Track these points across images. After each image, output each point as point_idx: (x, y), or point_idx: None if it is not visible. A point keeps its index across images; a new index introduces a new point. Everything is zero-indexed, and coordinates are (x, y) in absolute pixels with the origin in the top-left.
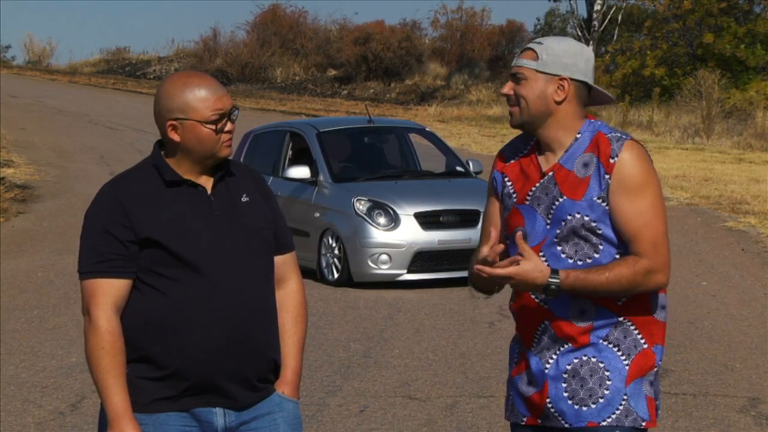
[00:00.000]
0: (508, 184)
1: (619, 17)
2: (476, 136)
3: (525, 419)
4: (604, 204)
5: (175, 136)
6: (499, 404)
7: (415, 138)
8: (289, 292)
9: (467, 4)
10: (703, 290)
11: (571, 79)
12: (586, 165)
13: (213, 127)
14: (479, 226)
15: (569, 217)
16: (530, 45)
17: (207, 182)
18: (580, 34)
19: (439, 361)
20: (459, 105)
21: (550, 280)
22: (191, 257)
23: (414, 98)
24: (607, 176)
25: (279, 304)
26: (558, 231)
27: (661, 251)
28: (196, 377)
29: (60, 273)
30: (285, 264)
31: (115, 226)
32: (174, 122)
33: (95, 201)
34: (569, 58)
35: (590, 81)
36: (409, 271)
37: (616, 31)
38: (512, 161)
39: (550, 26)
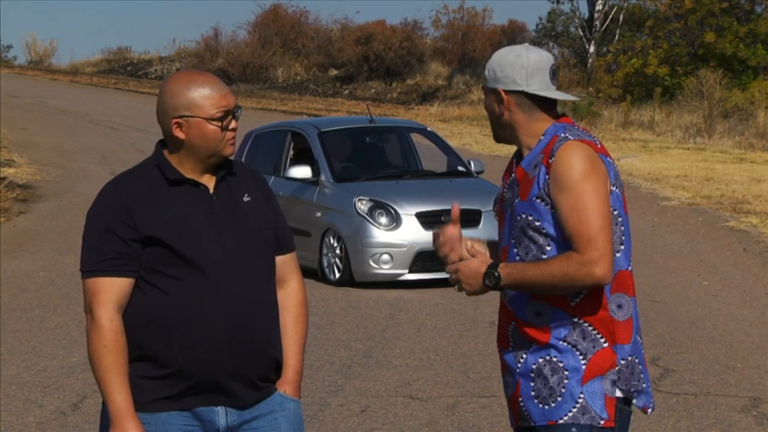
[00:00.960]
0: (503, 187)
1: (621, 17)
2: (478, 136)
3: (513, 424)
4: (543, 203)
5: (180, 134)
6: (500, 404)
7: (416, 138)
8: (290, 291)
9: (469, 4)
10: (704, 290)
11: (506, 91)
12: (536, 166)
13: (218, 124)
14: (481, 225)
15: (519, 218)
16: None
17: (209, 181)
18: (581, 33)
19: (441, 361)
20: (460, 105)
21: (489, 269)
22: (193, 256)
23: (415, 98)
24: (546, 176)
25: (280, 304)
26: (513, 232)
27: (595, 245)
28: (198, 376)
29: (61, 273)
30: (286, 264)
31: (117, 224)
32: (179, 120)
33: (97, 200)
34: (501, 70)
35: (529, 89)
36: (411, 271)
37: (617, 31)
38: (508, 167)
39: (553, 26)
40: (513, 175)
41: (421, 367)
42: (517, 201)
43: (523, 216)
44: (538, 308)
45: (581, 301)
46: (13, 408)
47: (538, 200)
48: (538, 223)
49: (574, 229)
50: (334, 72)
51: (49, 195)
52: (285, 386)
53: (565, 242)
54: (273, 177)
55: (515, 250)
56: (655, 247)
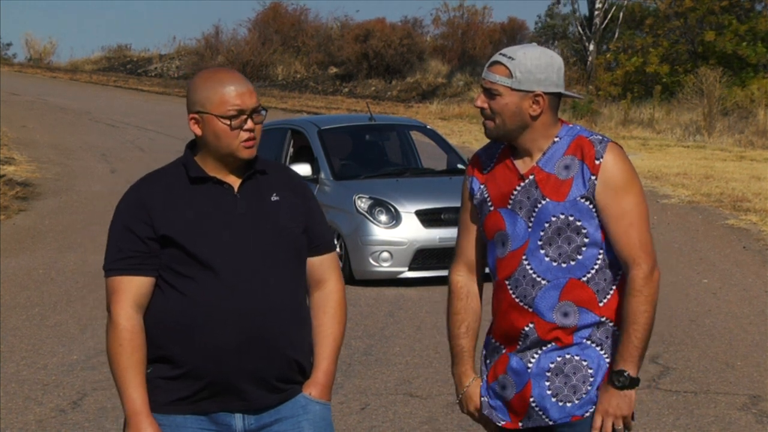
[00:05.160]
0: (483, 189)
1: (621, 15)
2: (477, 134)
3: (503, 423)
4: (588, 204)
5: (196, 130)
6: None
7: (416, 135)
8: (328, 292)
9: (469, 2)
10: (704, 288)
11: (545, 93)
12: (567, 167)
13: (228, 122)
14: None
15: (553, 219)
16: (501, 60)
17: (235, 181)
18: (581, 32)
19: (440, 359)
20: (460, 103)
21: (621, 384)
22: (206, 257)
23: (415, 96)
24: (592, 177)
25: (317, 305)
26: (542, 233)
27: (646, 249)
28: (211, 376)
29: (61, 270)
30: (323, 265)
31: (136, 223)
32: (195, 115)
33: (122, 198)
34: (542, 73)
35: (562, 89)
36: (410, 269)
37: (617, 29)
38: (488, 167)
39: (552, 25)
40: (530, 176)
41: (421, 365)
42: (546, 202)
43: (562, 216)
44: (566, 309)
45: (609, 301)
46: (13, 406)
47: (583, 200)
48: (579, 223)
49: (625, 232)
50: (333, 70)
51: (49, 193)
52: (311, 388)
53: (603, 242)
54: None
55: (542, 252)
56: (655, 245)
